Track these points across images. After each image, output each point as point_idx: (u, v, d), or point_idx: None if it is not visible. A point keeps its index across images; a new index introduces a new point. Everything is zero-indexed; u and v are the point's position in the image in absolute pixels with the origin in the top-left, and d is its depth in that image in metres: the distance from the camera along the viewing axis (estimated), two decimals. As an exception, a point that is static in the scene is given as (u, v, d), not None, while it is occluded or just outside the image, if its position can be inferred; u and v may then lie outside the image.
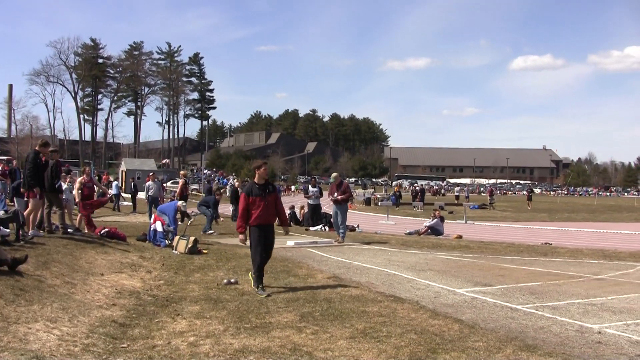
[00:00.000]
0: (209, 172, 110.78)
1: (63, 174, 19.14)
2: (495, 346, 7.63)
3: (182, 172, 30.98)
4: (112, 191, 40.45)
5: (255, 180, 11.97)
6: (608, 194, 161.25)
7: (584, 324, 8.98)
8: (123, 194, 46.03)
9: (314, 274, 13.66)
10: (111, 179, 46.85)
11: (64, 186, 19.04)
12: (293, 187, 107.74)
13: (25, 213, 15.12)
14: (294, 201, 49.99)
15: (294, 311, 9.75)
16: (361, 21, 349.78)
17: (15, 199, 19.67)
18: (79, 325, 8.08)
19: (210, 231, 23.80)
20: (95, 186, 21.10)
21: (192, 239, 17.40)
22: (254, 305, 10.19)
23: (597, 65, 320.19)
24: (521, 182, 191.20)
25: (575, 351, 7.50)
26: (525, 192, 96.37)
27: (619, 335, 8.33)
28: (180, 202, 20.38)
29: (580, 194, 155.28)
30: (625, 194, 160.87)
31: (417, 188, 70.77)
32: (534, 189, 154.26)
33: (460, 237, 25.68)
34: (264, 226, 11.76)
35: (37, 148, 15.67)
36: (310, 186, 30.81)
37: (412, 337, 8.07)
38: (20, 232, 13.79)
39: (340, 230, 21.84)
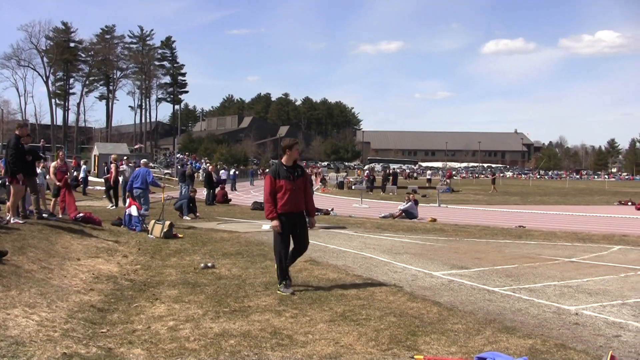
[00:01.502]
0: (181, 156, 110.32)
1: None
2: (475, 328, 7.68)
3: (112, 157, 30.71)
4: (80, 174, 40.19)
5: (284, 161, 10.55)
6: (579, 177, 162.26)
7: (561, 306, 9.05)
8: (91, 178, 45.79)
9: (291, 258, 13.67)
10: (81, 162, 46.39)
11: (38, 171, 18.92)
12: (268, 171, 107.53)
13: (9, 203, 15.03)
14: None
15: (272, 295, 9.76)
16: (333, 4, 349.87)
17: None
18: (58, 311, 8.04)
19: (186, 217, 23.78)
20: (68, 171, 21.03)
21: (167, 223, 17.36)
22: (232, 289, 10.18)
23: (568, 50, 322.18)
24: (493, 165, 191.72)
25: (554, 332, 7.57)
26: (489, 176, 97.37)
27: (595, 317, 8.41)
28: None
29: (553, 178, 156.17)
30: (596, 177, 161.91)
31: (388, 172, 70.68)
32: (506, 172, 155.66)
33: (434, 220, 25.79)
34: (293, 215, 10.37)
35: (17, 132, 15.43)
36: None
37: (392, 319, 8.11)
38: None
39: None
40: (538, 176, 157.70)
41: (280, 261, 10.37)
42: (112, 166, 27.97)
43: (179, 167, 53.69)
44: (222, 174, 54.83)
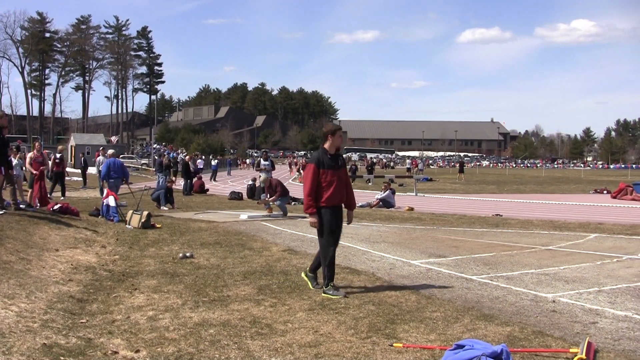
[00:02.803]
0: (158, 146, 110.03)
1: (14, 149, 18.95)
2: (453, 316, 7.73)
3: (59, 147, 30.41)
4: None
5: (327, 147, 9.44)
6: (555, 165, 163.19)
7: (538, 294, 9.11)
8: (69, 169, 45.47)
9: (269, 247, 13.72)
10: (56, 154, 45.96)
11: (14, 162, 18.83)
12: (248, 161, 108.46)
13: None
14: (246, 174, 50.01)
15: (251, 284, 9.77)
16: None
17: None
18: (37, 302, 8.01)
19: (164, 207, 23.70)
20: (44, 161, 20.94)
21: (145, 213, 17.32)
22: (211, 279, 10.18)
23: (544, 38, 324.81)
24: (469, 154, 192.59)
25: (531, 320, 7.62)
26: (457, 164, 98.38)
27: (572, 304, 8.47)
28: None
29: (529, 166, 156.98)
30: (572, 165, 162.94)
31: (371, 162, 70.91)
32: (482, 161, 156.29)
33: (411, 209, 25.82)
34: (336, 208, 9.41)
35: None
36: (262, 159, 30.73)
37: (371, 308, 8.15)
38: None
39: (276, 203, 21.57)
40: (514, 165, 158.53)
41: (331, 259, 9.28)
42: (53, 157, 27.38)
43: (156, 157, 53.52)
44: (199, 163, 54.82)
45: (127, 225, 17.07)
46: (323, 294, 9.08)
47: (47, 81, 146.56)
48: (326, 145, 9.44)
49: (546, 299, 8.79)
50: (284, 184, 22.52)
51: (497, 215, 23.21)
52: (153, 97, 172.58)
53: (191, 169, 36.59)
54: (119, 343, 6.65)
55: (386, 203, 27.27)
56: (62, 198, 25.09)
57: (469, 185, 52.72)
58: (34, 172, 19.82)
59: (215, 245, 14.02)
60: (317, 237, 9.38)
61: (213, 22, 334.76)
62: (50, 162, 26.80)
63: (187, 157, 41.84)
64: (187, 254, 12.48)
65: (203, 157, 69.59)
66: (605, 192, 40.84)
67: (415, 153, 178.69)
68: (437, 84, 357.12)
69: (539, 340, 6.70)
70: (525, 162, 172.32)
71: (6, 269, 9.41)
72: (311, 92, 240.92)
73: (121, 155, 66.82)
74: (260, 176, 28.59)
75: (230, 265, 11.51)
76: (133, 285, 9.72)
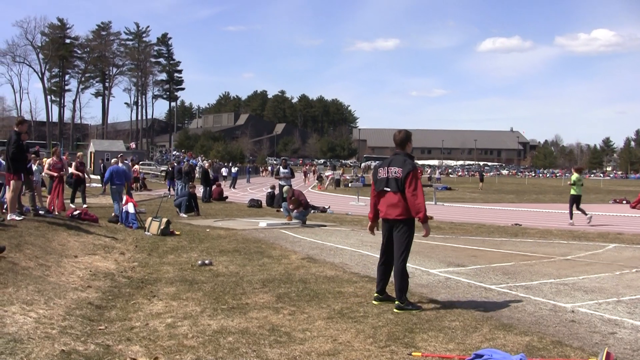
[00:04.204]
0: (177, 153, 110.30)
1: (33, 155, 19.03)
2: (472, 325, 7.69)
3: (79, 154, 30.42)
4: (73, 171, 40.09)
5: (410, 152, 9.20)
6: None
7: (557, 303, 9.07)
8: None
9: (288, 255, 13.70)
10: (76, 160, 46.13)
11: (34, 168, 18.92)
12: (269, 168, 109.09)
13: (8, 197, 14.94)
14: (265, 182, 50.01)
15: (270, 292, 9.75)
16: (329, 1, 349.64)
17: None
18: (55, 308, 8.03)
19: (183, 215, 23.71)
20: (63, 167, 21.06)
21: (164, 220, 17.35)
22: (230, 287, 10.17)
23: (564, 48, 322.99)
24: (489, 163, 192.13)
25: (550, 330, 7.58)
26: (476, 173, 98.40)
27: (591, 314, 8.43)
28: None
29: (548, 176, 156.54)
30: (591, 175, 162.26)
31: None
32: (502, 170, 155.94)
33: (431, 217, 25.70)
34: None
35: (16, 128, 15.25)
36: (281, 167, 30.70)
37: (389, 317, 8.13)
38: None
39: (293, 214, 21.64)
40: (533, 174, 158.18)
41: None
42: (73, 164, 27.28)
43: (175, 164, 53.77)
44: (224, 170, 54.91)
45: (146, 232, 17.11)
46: (399, 310, 8.50)
47: (66, 87, 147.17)
48: (408, 151, 9.20)
49: (565, 308, 8.75)
50: (305, 196, 22.48)
51: (516, 224, 23.14)
52: (173, 103, 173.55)
53: (210, 176, 36.65)
54: (138, 350, 6.66)
55: (405, 212, 27.17)
56: (85, 206, 25.04)
57: (488, 194, 52.61)
58: (54, 174, 19.92)
59: (234, 253, 14.03)
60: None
61: (232, 29, 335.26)
62: (71, 169, 26.73)
63: (207, 164, 41.82)
64: (206, 262, 12.48)
65: (225, 164, 69.76)
66: (624, 201, 40.72)
67: (435, 162, 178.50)
68: (456, 93, 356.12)
69: (557, 350, 6.66)
70: (545, 171, 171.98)
71: (25, 275, 9.44)
72: (331, 100, 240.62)
73: (140, 162, 67.14)
74: (280, 184, 28.59)
75: (249, 273, 11.50)
76: (152, 292, 9.73)
